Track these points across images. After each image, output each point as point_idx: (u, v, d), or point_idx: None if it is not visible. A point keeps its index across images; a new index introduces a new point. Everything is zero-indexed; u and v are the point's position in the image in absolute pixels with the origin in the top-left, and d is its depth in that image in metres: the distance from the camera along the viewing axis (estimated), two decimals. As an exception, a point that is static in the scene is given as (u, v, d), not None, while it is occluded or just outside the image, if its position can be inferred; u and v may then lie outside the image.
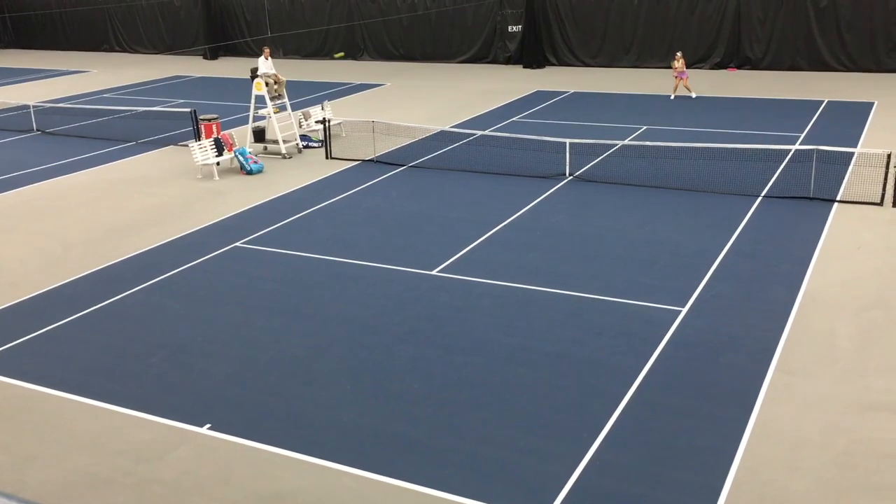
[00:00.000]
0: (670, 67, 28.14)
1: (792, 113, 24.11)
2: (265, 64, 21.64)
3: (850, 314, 11.31)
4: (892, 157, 15.83)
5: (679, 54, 27.36)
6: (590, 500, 7.79)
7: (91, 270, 13.78)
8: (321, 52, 39.89)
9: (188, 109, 23.32)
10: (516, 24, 35.42)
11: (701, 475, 8.05)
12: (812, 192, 16.18)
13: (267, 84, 21.00)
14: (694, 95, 27.00)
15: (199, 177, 19.40)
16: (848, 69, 30.67)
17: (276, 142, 21.25)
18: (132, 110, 26.58)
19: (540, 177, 18.16)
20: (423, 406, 9.40)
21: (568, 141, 18.57)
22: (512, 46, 35.80)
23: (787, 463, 8.20)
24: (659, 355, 10.32)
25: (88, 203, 17.63)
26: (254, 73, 21.30)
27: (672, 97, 27.14)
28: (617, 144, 20.17)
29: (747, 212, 15.50)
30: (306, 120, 22.90)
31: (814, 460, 8.24)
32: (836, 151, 17.40)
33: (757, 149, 18.90)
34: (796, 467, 8.13)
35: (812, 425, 8.80)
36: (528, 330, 11.12)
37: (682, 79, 26.99)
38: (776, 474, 8.04)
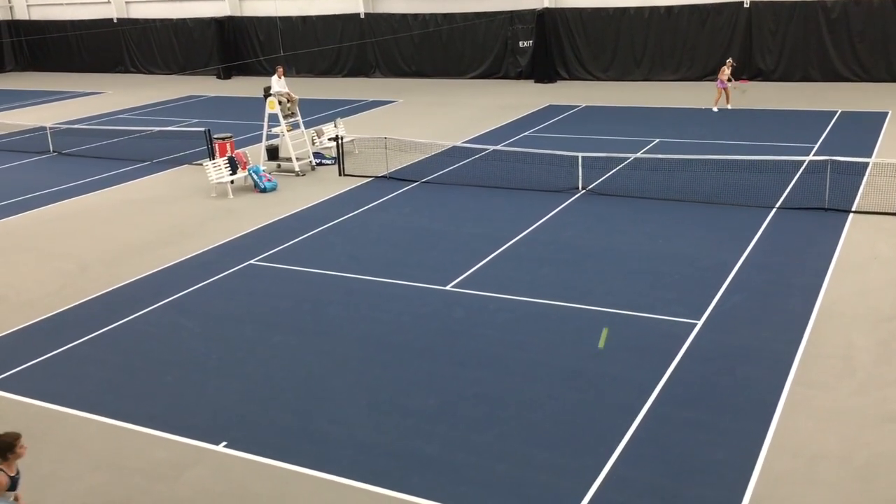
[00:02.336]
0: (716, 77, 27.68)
1: (805, 124, 24.03)
2: (278, 82, 21.79)
3: (867, 325, 11.22)
4: (907, 166, 15.76)
5: (728, 61, 27.25)
6: (607, 515, 7.74)
7: (107, 290, 13.87)
8: (333, 70, 40.16)
9: (202, 129, 23.51)
10: (527, 39, 35.51)
11: (719, 490, 7.98)
12: (827, 203, 16.10)
13: (280, 102, 21.14)
14: (715, 109, 26.78)
15: (214, 195, 19.53)
16: (861, 79, 30.55)
17: (289, 159, 21.38)
18: (147, 130, 26.82)
19: (553, 191, 18.16)
20: (437, 422, 9.38)
21: (580, 155, 18.57)
22: (523, 61, 35.90)
23: (806, 477, 8.12)
24: (675, 369, 10.27)
25: (104, 223, 17.76)
26: (267, 92, 21.46)
27: (729, 107, 26.81)
28: (629, 157, 20.16)
29: (762, 223, 15.43)
30: (319, 137, 23.03)
31: (834, 474, 8.15)
32: (851, 162, 17.32)
33: (771, 160, 18.83)
34: (816, 481, 8.05)
35: (831, 438, 8.72)
36: (542, 345, 11.09)
37: (723, 88, 26.71)
38: (796, 488, 7.96)
